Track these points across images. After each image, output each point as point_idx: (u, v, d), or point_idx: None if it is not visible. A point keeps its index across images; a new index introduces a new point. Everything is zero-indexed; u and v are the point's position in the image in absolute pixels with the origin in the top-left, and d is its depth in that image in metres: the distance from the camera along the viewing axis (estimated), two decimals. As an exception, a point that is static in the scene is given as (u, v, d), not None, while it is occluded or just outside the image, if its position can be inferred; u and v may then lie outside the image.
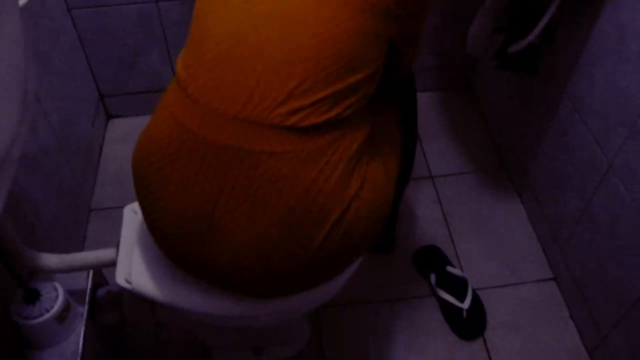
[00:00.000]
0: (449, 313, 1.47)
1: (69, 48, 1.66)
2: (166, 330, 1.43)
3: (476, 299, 1.48)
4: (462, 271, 1.56)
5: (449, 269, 1.52)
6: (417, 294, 1.53)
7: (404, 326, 1.46)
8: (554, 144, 1.48)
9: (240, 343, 1.38)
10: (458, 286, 1.48)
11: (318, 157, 0.86)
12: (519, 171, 1.72)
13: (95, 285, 1.26)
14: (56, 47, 1.55)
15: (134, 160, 0.97)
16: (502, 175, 1.80)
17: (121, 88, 1.91)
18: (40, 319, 1.07)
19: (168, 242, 0.95)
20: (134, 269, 1.05)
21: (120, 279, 1.06)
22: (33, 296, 1.08)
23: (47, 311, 1.08)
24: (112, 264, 1.13)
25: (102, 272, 1.33)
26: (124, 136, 1.93)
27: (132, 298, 1.20)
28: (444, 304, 1.48)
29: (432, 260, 1.55)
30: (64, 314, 1.11)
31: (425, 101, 2.01)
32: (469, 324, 1.45)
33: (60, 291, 1.11)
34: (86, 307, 1.19)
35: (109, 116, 2.00)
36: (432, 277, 1.52)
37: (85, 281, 1.23)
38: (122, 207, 1.17)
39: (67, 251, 1.22)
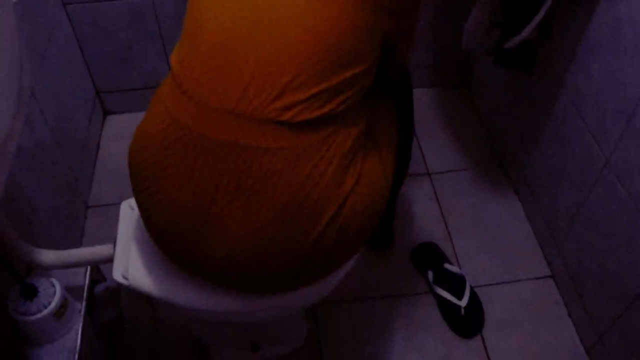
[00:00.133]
0: (447, 310, 1.47)
1: (65, 44, 1.65)
2: (163, 326, 1.43)
3: (474, 297, 1.49)
4: (460, 268, 1.56)
5: (447, 266, 1.52)
6: (415, 291, 1.53)
7: (401, 323, 1.46)
8: (550, 139, 1.48)
9: (238, 340, 1.37)
10: (456, 283, 1.48)
11: (312, 152, 0.86)
12: (516, 167, 1.72)
13: (93, 282, 1.25)
14: (51, 42, 1.55)
15: (129, 155, 0.97)
16: (499, 172, 1.80)
17: (117, 84, 1.91)
18: (38, 315, 1.07)
19: (163, 238, 0.95)
20: (131, 265, 1.04)
21: (118, 275, 1.05)
22: (31, 292, 1.08)
23: (45, 307, 1.08)
24: (110, 260, 1.12)
25: (99, 269, 1.33)
26: (120, 132, 1.92)
27: (130, 294, 1.20)
28: (441, 301, 1.48)
29: (429, 257, 1.55)
30: (61, 310, 1.11)
31: (421, 97, 2.01)
32: (467, 322, 1.45)
33: (58, 287, 1.11)
34: (84, 303, 1.19)
35: (106, 112, 1.99)
36: (430, 274, 1.52)
37: (83, 277, 1.23)
38: (119, 204, 1.17)
39: (64, 247, 1.22)
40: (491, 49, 1.48)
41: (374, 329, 1.45)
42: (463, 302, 1.46)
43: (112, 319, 1.26)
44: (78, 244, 1.60)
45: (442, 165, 1.82)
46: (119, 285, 1.06)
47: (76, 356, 1.12)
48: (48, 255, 1.14)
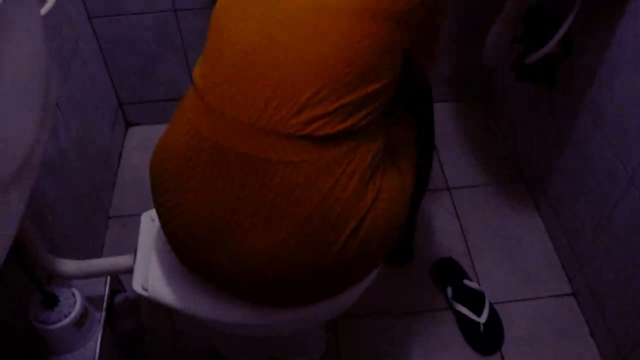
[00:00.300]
0: (466, 327, 1.45)
1: (89, 56, 1.68)
2: (183, 338, 1.43)
3: (493, 313, 1.47)
4: (479, 284, 1.55)
5: (466, 282, 1.50)
6: (434, 307, 1.52)
7: (420, 339, 1.45)
8: (572, 155, 1.47)
9: (257, 352, 1.37)
10: (475, 300, 1.47)
11: (334, 166, 0.86)
12: (537, 183, 1.70)
13: (113, 292, 1.26)
14: (77, 55, 1.57)
15: (151, 167, 0.98)
16: (520, 187, 1.79)
17: (140, 96, 1.93)
18: (58, 325, 1.08)
19: (184, 249, 0.95)
20: (151, 275, 1.05)
21: (137, 285, 1.06)
22: (51, 301, 1.09)
23: (65, 317, 1.08)
24: (130, 270, 1.13)
25: (119, 279, 1.34)
26: (142, 144, 1.94)
27: (149, 305, 1.20)
28: (460, 317, 1.47)
29: (449, 272, 1.54)
30: (82, 320, 1.12)
31: (441, 112, 2.00)
32: (486, 339, 1.43)
33: (78, 297, 1.12)
34: (103, 313, 1.19)
35: (128, 124, 2.01)
36: (449, 290, 1.50)
37: (103, 287, 1.24)
38: (139, 214, 1.18)
39: (85, 257, 1.23)
40: (512, 65, 1.47)
41: (393, 344, 1.44)
42: (482, 319, 1.44)
43: (132, 329, 1.26)
44: (99, 254, 1.62)
45: (462, 180, 1.81)
46: (139, 296, 1.07)
47: (95, 366, 1.12)
48: (70, 265, 1.15)
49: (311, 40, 0.85)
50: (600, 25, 1.29)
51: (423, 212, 1.70)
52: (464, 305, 1.46)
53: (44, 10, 1.13)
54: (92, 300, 1.19)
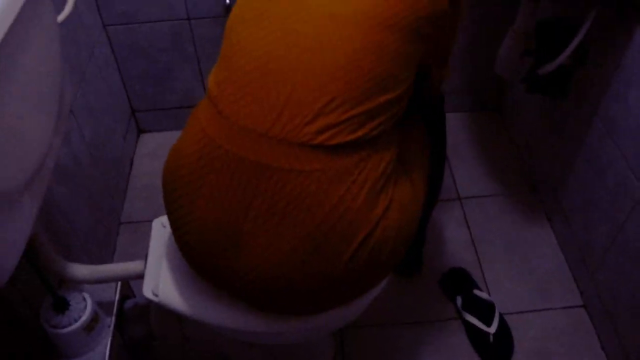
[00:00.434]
0: (476, 337, 1.45)
1: (104, 63, 1.70)
2: (190, 344, 1.43)
3: (503, 324, 1.46)
4: (490, 295, 1.54)
5: (476, 292, 1.50)
6: (444, 317, 1.51)
7: (429, 349, 1.45)
8: (585, 166, 1.46)
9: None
10: (485, 310, 1.46)
11: (345, 176, 0.86)
12: (549, 194, 1.69)
13: (123, 297, 1.27)
14: (91, 62, 1.59)
15: (164, 173, 0.99)
16: (531, 198, 1.78)
17: (152, 103, 1.95)
18: (69, 328, 1.08)
19: (195, 256, 0.96)
20: (162, 281, 1.05)
21: (148, 291, 1.07)
22: (63, 305, 1.10)
23: (76, 321, 1.09)
24: (140, 276, 1.14)
25: (129, 285, 1.35)
26: (153, 151, 1.96)
27: (159, 311, 1.21)
28: (470, 327, 1.46)
29: (459, 282, 1.53)
30: (92, 324, 1.12)
31: (454, 122, 2.00)
32: (496, 349, 1.42)
33: (89, 301, 1.13)
34: (113, 318, 1.20)
35: (140, 130, 2.03)
36: (459, 300, 1.50)
37: (113, 293, 1.25)
38: (150, 221, 1.19)
39: (96, 262, 1.24)
40: (524, 77, 1.47)
41: (402, 354, 1.44)
42: (492, 329, 1.44)
43: (141, 335, 1.27)
44: (109, 259, 1.63)
45: (473, 190, 1.81)
46: (149, 302, 1.07)
47: (105, 370, 1.13)
48: (81, 270, 1.16)
49: (326, 50, 0.85)
50: (615, 35, 1.29)
51: (434, 222, 1.70)
52: (474, 316, 1.46)
53: (61, 16, 1.15)
54: (102, 305, 1.20)
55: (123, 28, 1.73)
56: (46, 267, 1.10)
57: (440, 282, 1.57)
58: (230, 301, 0.99)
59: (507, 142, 1.95)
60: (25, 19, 0.77)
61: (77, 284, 1.19)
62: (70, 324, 1.09)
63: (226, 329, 1.01)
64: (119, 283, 1.26)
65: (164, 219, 1.17)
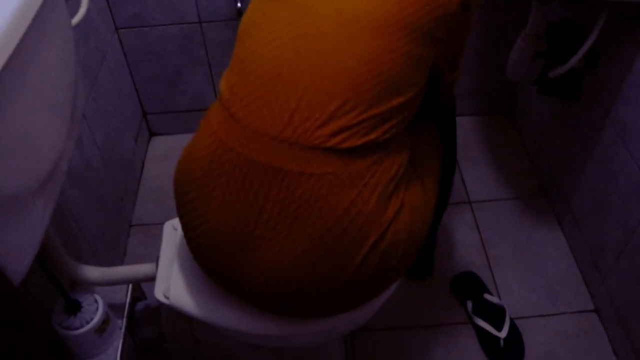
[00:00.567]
0: (486, 341, 1.44)
1: (115, 66, 1.71)
2: (203, 347, 1.44)
3: (514, 328, 1.45)
4: (500, 299, 1.54)
5: (487, 296, 1.49)
6: (454, 321, 1.50)
7: (439, 353, 1.44)
8: (596, 170, 1.45)
9: (275, 363, 1.37)
10: (495, 314, 1.46)
11: (357, 179, 0.86)
12: (560, 198, 1.69)
13: (134, 300, 1.27)
14: (103, 65, 1.60)
15: (176, 176, 0.99)
16: (542, 202, 1.77)
17: (164, 106, 1.96)
18: (81, 330, 1.09)
19: (207, 258, 0.96)
20: (173, 284, 1.06)
21: (159, 293, 1.07)
22: (74, 307, 1.11)
23: (88, 323, 1.10)
24: (152, 279, 1.14)
25: (140, 287, 1.35)
26: (164, 154, 1.96)
27: (170, 313, 1.21)
28: (480, 332, 1.46)
29: (469, 287, 1.53)
30: (103, 326, 1.13)
31: (465, 125, 2.00)
32: (506, 354, 1.42)
33: (101, 303, 1.13)
34: (124, 320, 1.21)
35: (151, 133, 2.04)
36: (469, 304, 1.49)
37: (124, 295, 1.25)
38: (162, 224, 1.19)
39: (107, 265, 1.24)
40: (535, 79, 1.47)
41: (412, 358, 1.43)
42: (502, 334, 1.43)
43: (152, 337, 1.27)
44: (120, 262, 1.63)
45: (484, 193, 1.80)
46: (160, 304, 1.08)
47: (116, 372, 1.13)
48: (93, 272, 1.16)
49: (338, 54, 0.85)
50: (626, 38, 1.28)
51: (444, 226, 1.69)
52: (484, 320, 1.45)
53: (75, 20, 1.15)
54: (113, 308, 1.20)
55: (135, 31, 1.74)
56: (58, 269, 1.10)
57: (450, 286, 1.56)
58: (241, 304, 0.99)
59: (518, 145, 1.95)
60: (41, 22, 0.77)
61: (89, 286, 1.20)
62: (82, 326, 1.09)
63: (237, 331, 1.01)
64: (130, 285, 1.27)
65: (175, 222, 1.17)
